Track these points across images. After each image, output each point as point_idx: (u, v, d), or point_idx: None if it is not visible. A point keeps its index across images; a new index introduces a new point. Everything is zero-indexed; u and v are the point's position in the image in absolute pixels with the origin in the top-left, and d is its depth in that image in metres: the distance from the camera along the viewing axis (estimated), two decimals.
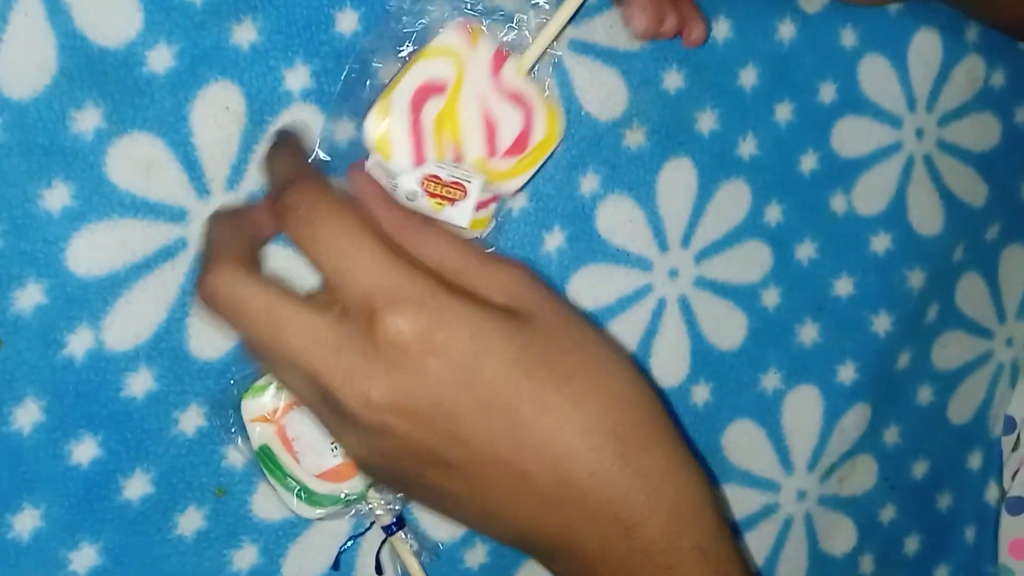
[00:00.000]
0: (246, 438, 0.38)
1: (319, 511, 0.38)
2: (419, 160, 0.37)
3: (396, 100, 0.37)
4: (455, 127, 0.37)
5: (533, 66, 0.39)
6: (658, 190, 0.45)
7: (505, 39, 0.38)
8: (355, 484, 0.38)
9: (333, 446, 0.38)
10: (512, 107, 0.38)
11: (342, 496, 0.38)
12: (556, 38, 0.38)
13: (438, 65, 0.37)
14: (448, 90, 0.37)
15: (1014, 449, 0.53)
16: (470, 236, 0.40)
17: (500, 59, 0.38)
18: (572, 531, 0.32)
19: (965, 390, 0.53)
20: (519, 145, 0.39)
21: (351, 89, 0.38)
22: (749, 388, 0.47)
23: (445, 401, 0.31)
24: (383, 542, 0.41)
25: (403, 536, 0.40)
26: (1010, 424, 0.53)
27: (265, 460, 0.38)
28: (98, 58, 0.36)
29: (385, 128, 0.37)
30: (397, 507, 0.40)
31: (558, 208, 0.43)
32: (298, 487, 0.38)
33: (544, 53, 0.39)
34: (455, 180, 0.37)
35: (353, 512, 0.39)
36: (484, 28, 0.38)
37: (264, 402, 0.37)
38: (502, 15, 0.39)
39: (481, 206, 0.39)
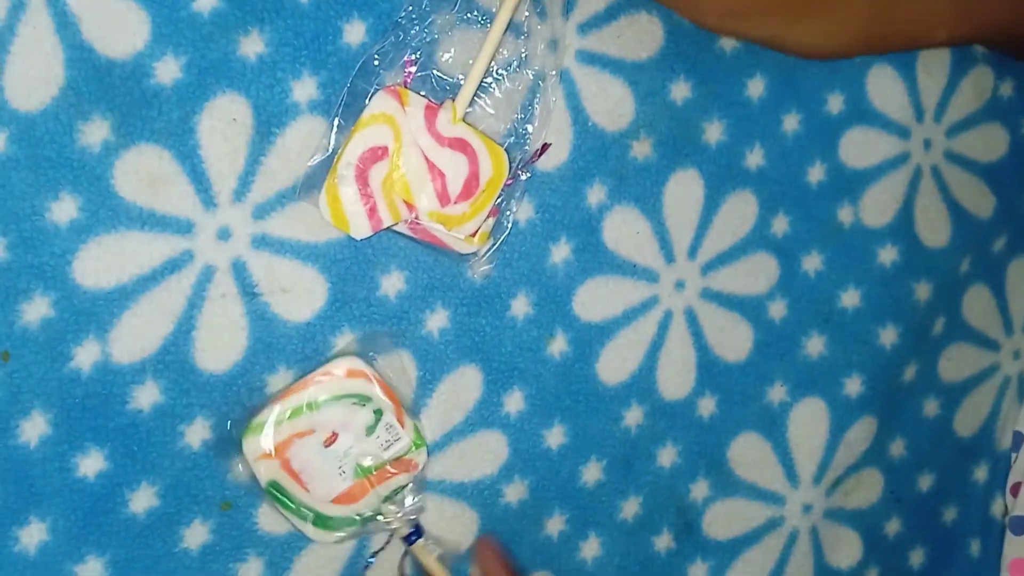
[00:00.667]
0: (252, 475, 0.38)
1: (337, 535, 0.39)
2: (376, 226, 0.38)
3: (342, 175, 0.37)
4: (404, 186, 0.38)
5: (466, 109, 0.39)
6: (665, 201, 0.44)
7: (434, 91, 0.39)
8: (369, 502, 0.38)
9: (340, 469, 0.38)
10: (454, 153, 0.38)
11: (357, 517, 0.39)
12: (483, 77, 0.39)
13: (375, 132, 0.38)
14: (390, 153, 0.38)
15: (1014, 462, 0.53)
16: (469, 250, 0.40)
17: (432, 112, 0.38)
18: None
19: (971, 403, 0.52)
20: (469, 188, 0.39)
21: (356, 99, 0.38)
22: (755, 400, 0.47)
23: None
24: (404, 553, 0.41)
25: (423, 543, 0.40)
26: (1019, 440, 0.53)
27: (275, 495, 0.38)
28: (105, 70, 0.36)
29: (338, 204, 0.38)
30: (413, 517, 0.40)
31: (564, 219, 0.43)
32: (312, 515, 0.38)
33: (475, 95, 0.39)
34: None
35: (370, 529, 0.40)
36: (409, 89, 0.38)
37: (264, 439, 0.38)
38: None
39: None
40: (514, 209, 0.41)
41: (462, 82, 0.39)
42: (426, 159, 0.38)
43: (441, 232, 0.39)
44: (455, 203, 0.39)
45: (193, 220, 0.37)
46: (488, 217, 0.40)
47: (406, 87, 0.39)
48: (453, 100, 0.39)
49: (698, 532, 0.47)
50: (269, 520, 0.40)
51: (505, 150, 0.40)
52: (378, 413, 0.39)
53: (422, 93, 0.39)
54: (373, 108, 0.38)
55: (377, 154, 0.38)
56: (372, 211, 0.38)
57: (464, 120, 0.39)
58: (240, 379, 0.39)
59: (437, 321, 0.41)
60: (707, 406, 0.47)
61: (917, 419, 0.51)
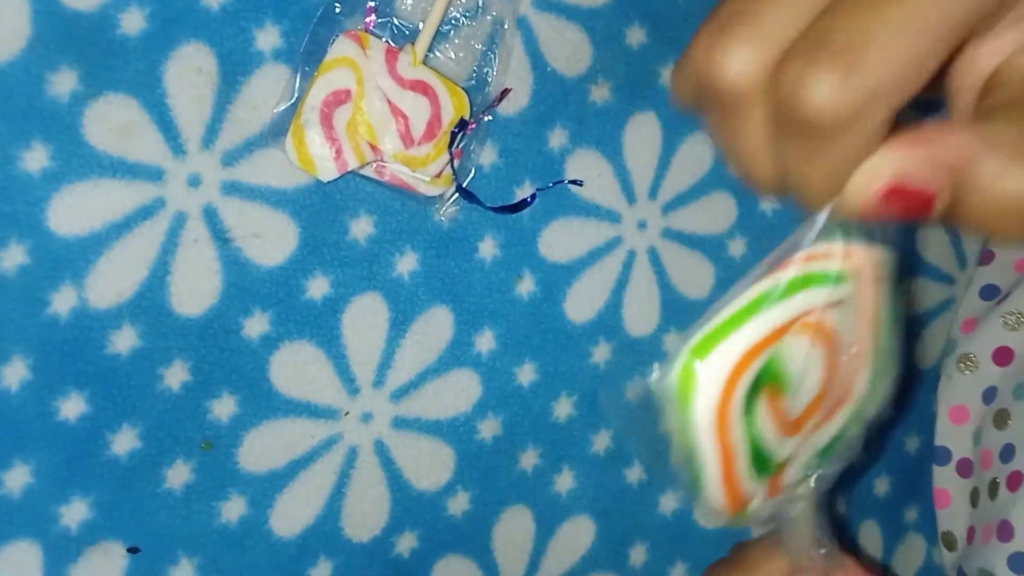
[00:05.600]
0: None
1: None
2: (342, 168, 0.39)
3: (307, 118, 0.38)
4: (368, 128, 0.39)
5: (427, 51, 0.40)
6: (624, 144, 0.46)
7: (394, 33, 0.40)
8: None
9: None
10: (416, 96, 0.40)
11: None
12: (440, 23, 0.40)
13: (337, 75, 0.39)
14: (353, 96, 0.39)
15: (935, 391, 0.54)
16: (434, 192, 0.41)
17: (393, 55, 0.39)
18: None
19: (929, 335, 0.54)
20: (432, 129, 0.40)
21: (318, 47, 0.39)
22: None
23: None
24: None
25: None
26: (943, 455, 0.54)
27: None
28: (72, 21, 0.36)
29: (304, 147, 0.39)
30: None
31: (527, 163, 0.44)
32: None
33: (434, 37, 0.40)
34: None
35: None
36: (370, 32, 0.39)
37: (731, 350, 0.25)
38: None
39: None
40: (478, 153, 0.43)
41: (422, 28, 0.40)
42: (388, 102, 0.39)
43: (407, 174, 0.40)
44: (419, 145, 0.40)
45: (163, 167, 0.38)
46: (452, 159, 0.41)
47: (367, 33, 0.40)
48: (413, 44, 0.40)
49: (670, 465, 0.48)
50: (250, 459, 0.41)
51: (466, 93, 0.41)
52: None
53: (383, 38, 0.40)
54: (335, 52, 0.39)
55: (340, 97, 0.39)
56: (338, 153, 0.39)
57: (425, 64, 0.40)
58: (216, 322, 0.40)
59: (407, 264, 0.43)
60: (673, 342, 0.48)
61: None
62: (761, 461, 0.28)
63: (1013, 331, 0.50)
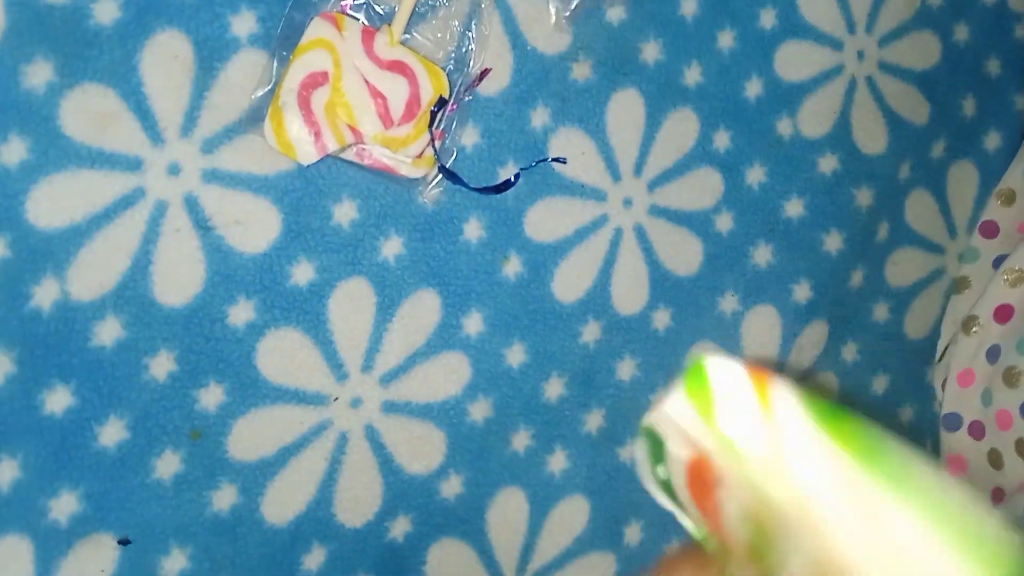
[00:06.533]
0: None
1: None
2: (322, 151, 0.39)
3: (285, 101, 0.38)
4: (347, 110, 0.39)
5: (404, 31, 0.40)
6: (608, 121, 0.46)
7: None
8: None
9: None
10: (394, 76, 0.39)
11: None
12: (417, 3, 0.40)
13: (314, 57, 0.39)
14: (330, 78, 0.38)
15: (939, 360, 0.54)
16: (416, 174, 0.41)
17: (369, 36, 0.39)
18: None
19: (919, 305, 0.54)
20: (411, 109, 0.40)
21: (294, 31, 0.39)
22: (708, 311, 0.49)
23: None
24: None
25: None
26: (953, 421, 0.55)
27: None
28: (46, 13, 0.36)
29: (283, 131, 0.38)
30: None
31: (510, 143, 0.44)
32: None
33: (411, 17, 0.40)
34: None
35: None
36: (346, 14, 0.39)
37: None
38: None
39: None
40: (460, 134, 0.42)
41: (398, 9, 0.40)
42: (366, 82, 0.39)
43: (388, 156, 0.40)
44: (399, 125, 0.39)
45: (142, 157, 0.38)
46: (433, 139, 0.41)
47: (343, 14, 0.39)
48: (390, 24, 0.40)
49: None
50: (239, 448, 0.41)
51: (446, 74, 0.41)
52: None
53: (359, 20, 0.40)
54: (311, 34, 0.38)
55: (318, 80, 0.38)
56: (317, 136, 0.39)
57: (402, 45, 0.40)
58: (200, 311, 0.39)
59: (392, 248, 0.42)
60: (662, 319, 0.48)
61: (868, 323, 0.53)
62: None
63: (1013, 288, 0.51)
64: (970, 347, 0.52)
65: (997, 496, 0.51)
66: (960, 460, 0.53)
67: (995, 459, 0.51)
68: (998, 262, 0.53)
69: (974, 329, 0.52)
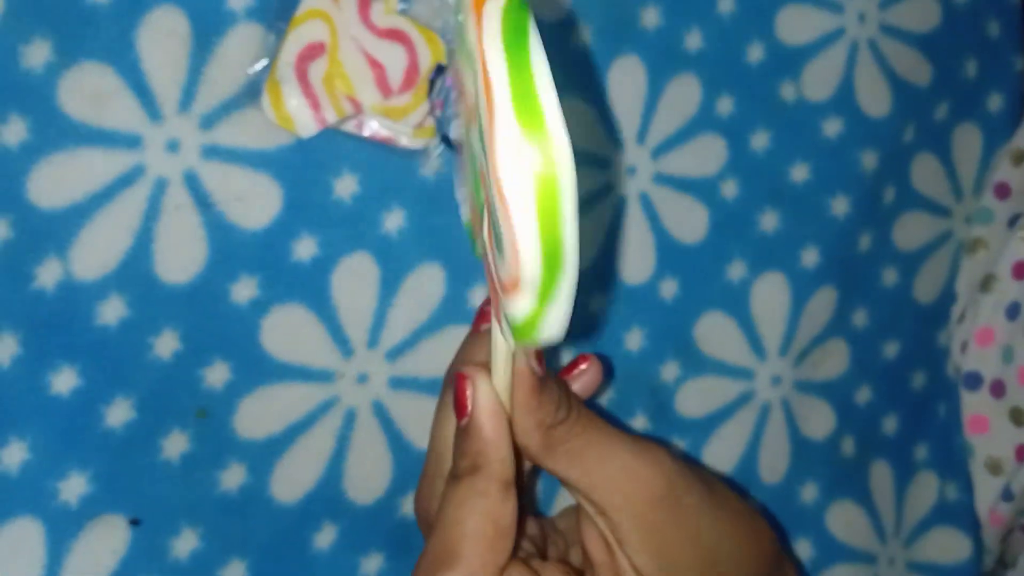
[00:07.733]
0: None
1: None
2: (321, 122, 0.38)
3: (283, 73, 0.38)
4: (345, 80, 0.38)
5: None
6: (609, 88, 0.45)
7: None
8: None
9: None
10: (392, 44, 0.39)
11: None
12: None
13: (310, 28, 0.38)
14: (327, 49, 0.38)
15: (959, 321, 0.54)
16: (417, 145, 0.41)
17: (365, 4, 0.39)
18: None
19: (928, 269, 0.54)
20: (410, 78, 0.39)
21: (290, 3, 0.39)
22: (716, 279, 0.48)
23: None
24: None
25: None
26: (973, 380, 0.54)
27: None
28: None
29: (281, 103, 0.38)
30: None
31: None
32: None
33: None
34: None
35: None
36: None
37: None
38: None
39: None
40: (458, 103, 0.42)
41: None
42: (363, 51, 0.39)
43: (388, 127, 0.40)
44: (398, 94, 0.39)
45: (141, 134, 0.38)
46: (433, 108, 0.40)
47: None
48: None
49: (672, 412, 0.48)
50: (247, 426, 0.40)
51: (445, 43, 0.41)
52: None
53: None
54: (306, 5, 0.38)
55: (315, 51, 0.38)
56: (316, 108, 0.39)
57: (399, 13, 0.40)
58: (203, 288, 0.39)
59: (395, 221, 0.42)
60: (669, 288, 0.47)
61: (877, 288, 0.52)
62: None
63: None
64: (989, 306, 0.52)
65: (1021, 453, 0.51)
66: (982, 420, 0.52)
67: (1017, 416, 0.51)
68: (1013, 221, 0.52)
69: (993, 288, 0.51)
